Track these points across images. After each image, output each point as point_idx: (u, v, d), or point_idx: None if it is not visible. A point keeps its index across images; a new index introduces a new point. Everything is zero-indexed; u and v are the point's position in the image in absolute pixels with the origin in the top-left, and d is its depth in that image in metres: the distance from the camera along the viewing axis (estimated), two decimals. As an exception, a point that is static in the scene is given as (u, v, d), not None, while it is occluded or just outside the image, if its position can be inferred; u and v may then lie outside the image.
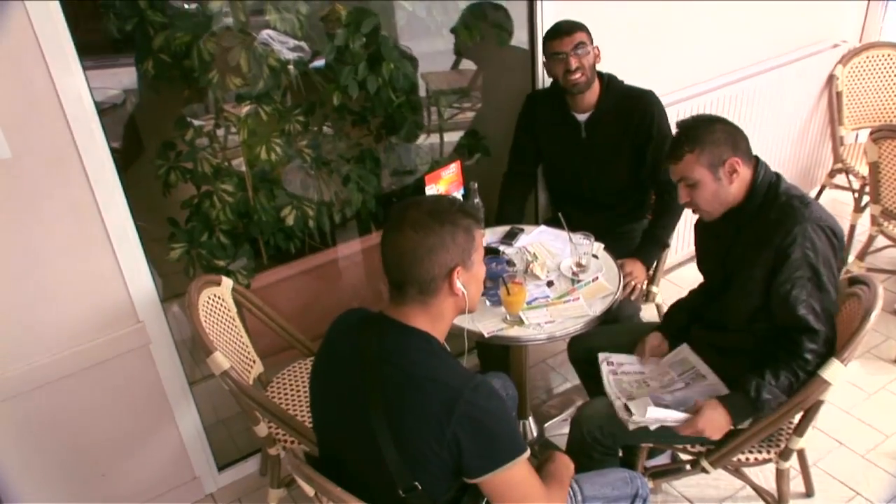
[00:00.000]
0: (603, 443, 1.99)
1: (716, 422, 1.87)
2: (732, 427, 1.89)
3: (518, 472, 1.41)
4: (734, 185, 1.88)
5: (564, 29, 2.47)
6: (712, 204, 1.92)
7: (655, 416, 1.87)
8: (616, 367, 2.14)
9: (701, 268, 2.16)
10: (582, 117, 2.58)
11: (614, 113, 2.55)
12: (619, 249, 2.46)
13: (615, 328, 2.37)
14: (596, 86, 2.53)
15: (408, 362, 1.41)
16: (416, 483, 1.40)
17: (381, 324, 1.47)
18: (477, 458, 1.39)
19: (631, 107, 2.54)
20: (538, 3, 2.66)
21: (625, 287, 2.34)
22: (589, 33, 2.49)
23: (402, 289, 1.44)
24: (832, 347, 1.85)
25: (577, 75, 2.46)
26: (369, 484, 1.45)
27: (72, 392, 2.16)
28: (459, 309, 1.50)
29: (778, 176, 1.91)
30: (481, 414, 1.36)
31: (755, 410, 1.86)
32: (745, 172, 1.88)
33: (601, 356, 2.16)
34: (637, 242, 2.62)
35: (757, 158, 1.92)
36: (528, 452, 1.43)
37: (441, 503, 1.46)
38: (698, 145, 1.86)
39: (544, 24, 2.69)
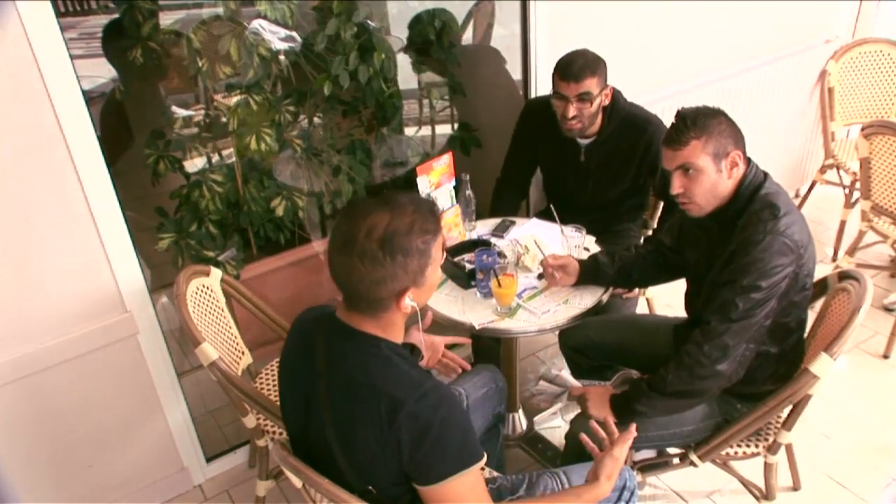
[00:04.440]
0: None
1: (599, 396, 1.96)
2: (613, 416, 1.90)
3: (463, 484, 1.35)
4: (732, 180, 1.83)
5: (574, 72, 2.31)
6: (707, 197, 1.84)
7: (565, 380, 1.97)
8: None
9: (682, 253, 2.12)
10: (583, 141, 2.49)
11: (616, 140, 2.46)
12: (613, 246, 2.45)
13: (607, 318, 2.37)
14: (599, 115, 2.43)
15: (353, 369, 1.37)
16: (370, 487, 1.38)
17: (330, 327, 1.43)
18: (420, 467, 1.34)
19: (635, 136, 2.45)
20: (531, 1, 2.64)
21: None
22: (602, 75, 2.35)
23: (353, 302, 1.38)
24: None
25: (573, 122, 2.38)
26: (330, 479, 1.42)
27: (58, 382, 2.14)
28: (408, 317, 1.45)
29: (765, 177, 1.86)
30: (425, 424, 1.30)
31: (629, 414, 1.90)
32: (742, 169, 1.83)
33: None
34: (631, 240, 2.61)
35: (749, 159, 1.88)
36: (479, 463, 1.37)
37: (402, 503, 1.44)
38: (705, 132, 1.79)
39: (538, 20, 2.66)
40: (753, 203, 1.82)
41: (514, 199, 2.78)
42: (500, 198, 2.74)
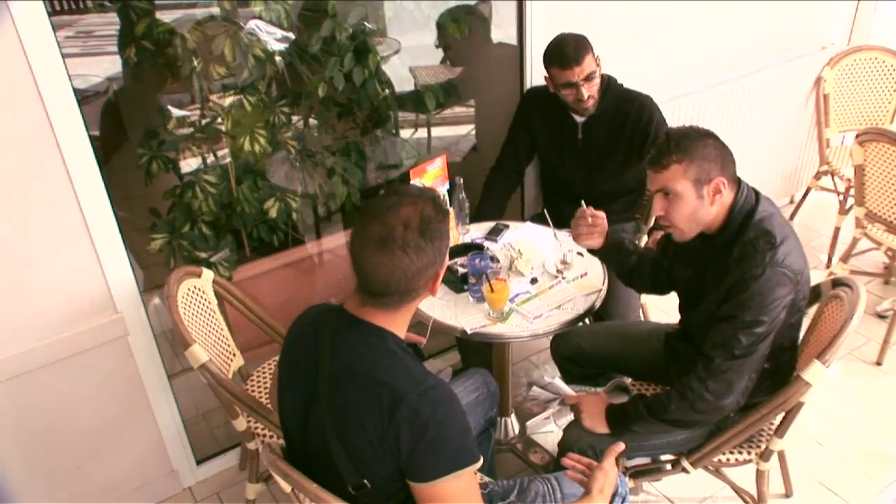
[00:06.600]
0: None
1: (594, 407, 1.95)
2: (608, 429, 1.92)
3: (457, 485, 1.35)
4: (715, 206, 1.77)
5: (573, 57, 2.35)
6: (688, 223, 1.80)
7: (558, 387, 2.05)
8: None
9: (672, 268, 2.09)
10: (579, 118, 2.56)
11: (612, 115, 2.53)
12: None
13: (600, 327, 2.36)
14: None
15: (357, 359, 1.37)
16: (365, 481, 1.38)
17: (337, 318, 1.43)
18: (417, 464, 1.33)
19: (628, 110, 2.53)
20: (527, 1, 2.63)
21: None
22: (591, 47, 2.41)
23: (381, 298, 1.38)
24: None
25: (589, 102, 2.44)
26: (325, 480, 1.41)
27: (47, 383, 2.12)
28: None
29: (757, 199, 1.79)
30: (424, 421, 1.31)
31: (624, 432, 1.89)
32: (727, 196, 1.77)
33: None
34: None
35: (739, 182, 1.80)
36: (475, 465, 1.37)
37: (395, 501, 1.43)
38: (687, 156, 1.73)
39: (534, 20, 2.66)
40: (747, 231, 1.76)
41: (507, 188, 2.80)
42: (492, 185, 2.77)
